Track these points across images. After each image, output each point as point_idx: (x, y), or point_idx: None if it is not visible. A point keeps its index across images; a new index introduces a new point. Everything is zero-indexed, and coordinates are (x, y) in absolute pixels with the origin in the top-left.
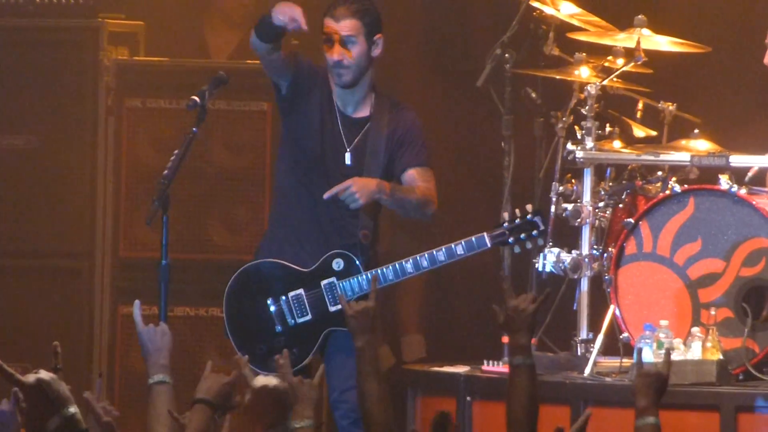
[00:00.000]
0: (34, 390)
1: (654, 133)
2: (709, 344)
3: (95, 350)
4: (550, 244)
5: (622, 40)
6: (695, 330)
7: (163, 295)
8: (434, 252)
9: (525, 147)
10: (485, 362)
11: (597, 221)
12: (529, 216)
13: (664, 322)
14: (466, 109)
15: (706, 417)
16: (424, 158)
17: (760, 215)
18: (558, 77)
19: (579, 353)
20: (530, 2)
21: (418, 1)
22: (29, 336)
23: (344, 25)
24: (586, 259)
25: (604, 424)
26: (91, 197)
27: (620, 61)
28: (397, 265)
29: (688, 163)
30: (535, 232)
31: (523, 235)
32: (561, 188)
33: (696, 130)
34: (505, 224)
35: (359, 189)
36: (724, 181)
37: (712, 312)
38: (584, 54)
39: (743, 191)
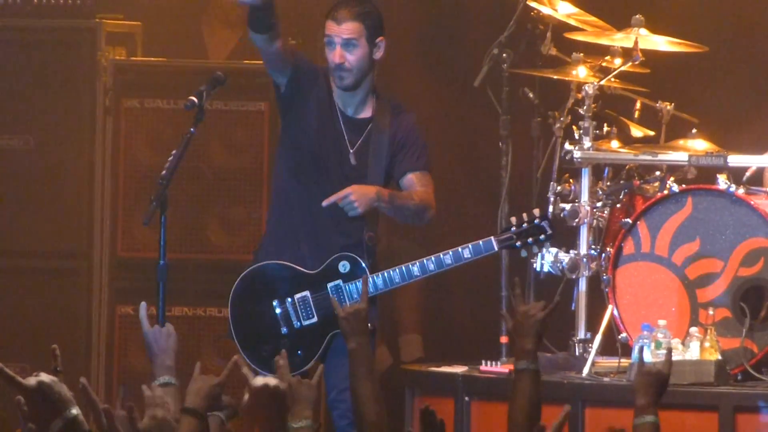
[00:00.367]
0: (36, 393)
1: (652, 132)
2: (707, 344)
3: (93, 350)
4: (548, 244)
5: (620, 39)
6: (693, 330)
7: (161, 295)
8: (441, 255)
9: (522, 147)
10: (483, 362)
11: (595, 221)
12: (536, 220)
13: (662, 322)
14: (463, 109)
15: (704, 417)
16: (424, 162)
17: (758, 215)
18: (555, 77)
19: (577, 353)
20: (528, 2)
21: (416, 1)
22: (27, 336)
23: (346, 28)
24: (584, 259)
25: (603, 424)
26: (88, 197)
27: (618, 61)
28: (403, 268)
29: (686, 163)
30: (542, 237)
31: (530, 240)
32: (559, 188)
33: (694, 130)
34: (513, 228)
35: (358, 197)
36: (722, 181)
37: (711, 312)
38: (582, 54)
39: (741, 191)
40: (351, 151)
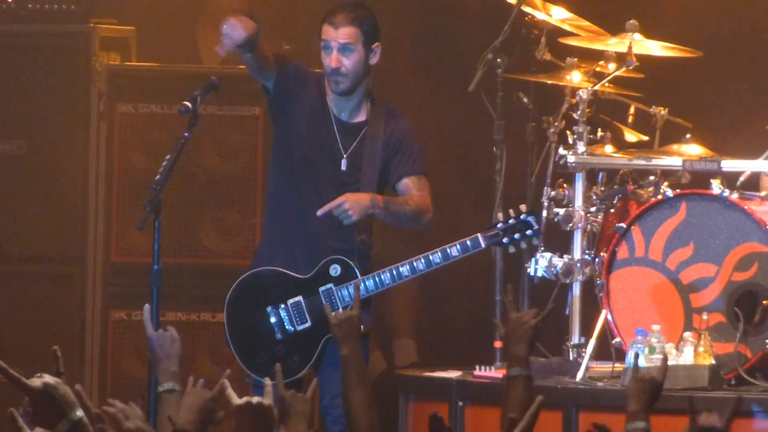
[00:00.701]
0: (41, 394)
1: (646, 137)
2: (701, 349)
3: (87, 355)
4: (542, 248)
5: (614, 44)
6: (687, 335)
7: (155, 300)
8: (429, 255)
9: (517, 152)
10: (477, 367)
11: (589, 226)
12: (522, 216)
13: (656, 327)
14: (457, 114)
15: None
16: (419, 166)
17: (752, 220)
18: (550, 82)
19: (571, 358)
20: (522, 7)
21: (410, 5)
22: (21, 341)
23: (342, 33)
24: (578, 264)
25: None
26: (83, 202)
27: (612, 66)
28: (393, 269)
29: (680, 168)
30: (529, 232)
31: (517, 235)
32: (553, 193)
33: (688, 135)
34: (499, 225)
35: (352, 206)
36: (716, 186)
37: (704, 317)
38: (576, 59)
39: (735, 196)
40: (344, 155)
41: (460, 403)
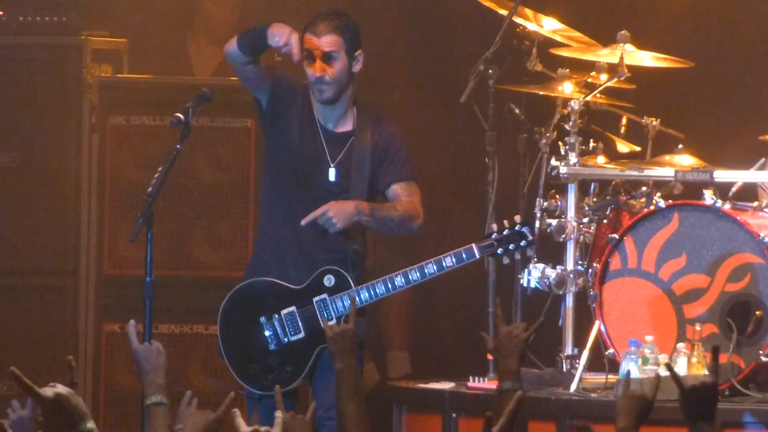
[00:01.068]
0: (52, 404)
1: (638, 148)
2: (694, 360)
3: (80, 367)
4: (535, 260)
5: (605, 55)
6: (680, 345)
7: (147, 312)
8: (424, 265)
9: (509, 163)
10: (470, 378)
11: (581, 237)
12: (517, 226)
13: (649, 338)
14: (449, 125)
15: None
16: (408, 172)
17: (745, 230)
18: (541, 93)
19: (564, 369)
20: (513, 18)
21: (402, 17)
22: (13, 353)
23: (325, 41)
24: (571, 275)
25: None
26: (75, 214)
27: (603, 77)
28: (387, 280)
29: (672, 179)
30: (523, 243)
31: (511, 246)
32: (545, 204)
33: (680, 146)
34: (494, 235)
35: (336, 213)
36: (709, 197)
37: (698, 327)
38: (567, 70)
39: (727, 206)
40: (332, 165)
41: (454, 415)
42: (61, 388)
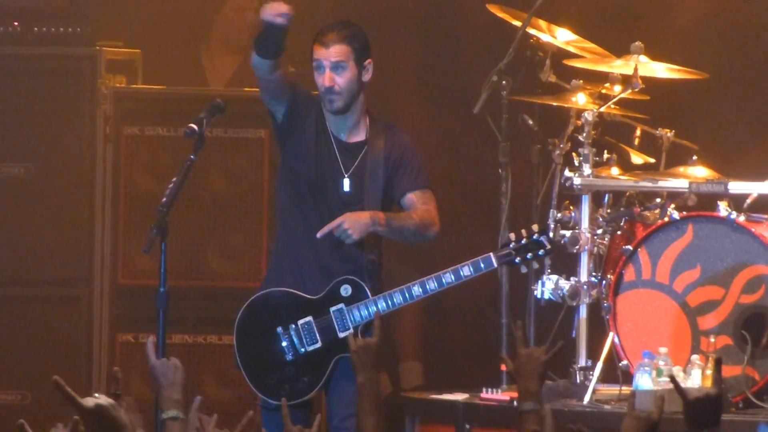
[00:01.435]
0: (93, 415)
1: (652, 159)
2: (708, 372)
3: (94, 378)
4: (548, 271)
5: (619, 66)
6: (695, 357)
7: (161, 323)
8: (441, 274)
9: (522, 174)
10: (484, 390)
11: (595, 248)
12: (534, 235)
13: (663, 350)
14: (463, 136)
15: None
16: (423, 180)
17: (759, 242)
18: (555, 104)
19: (578, 381)
20: (527, 29)
21: (415, 28)
22: (28, 364)
23: (334, 51)
24: (585, 286)
25: None
26: (89, 225)
27: (617, 88)
28: (404, 289)
29: (686, 190)
30: (541, 252)
31: (529, 255)
32: (559, 215)
33: (694, 157)
34: (511, 244)
35: (351, 225)
36: (723, 208)
37: (712, 339)
38: (581, 81)
39: (742, 218)
40: (346, 176)
41: (467, 426)
42: (102, 399)
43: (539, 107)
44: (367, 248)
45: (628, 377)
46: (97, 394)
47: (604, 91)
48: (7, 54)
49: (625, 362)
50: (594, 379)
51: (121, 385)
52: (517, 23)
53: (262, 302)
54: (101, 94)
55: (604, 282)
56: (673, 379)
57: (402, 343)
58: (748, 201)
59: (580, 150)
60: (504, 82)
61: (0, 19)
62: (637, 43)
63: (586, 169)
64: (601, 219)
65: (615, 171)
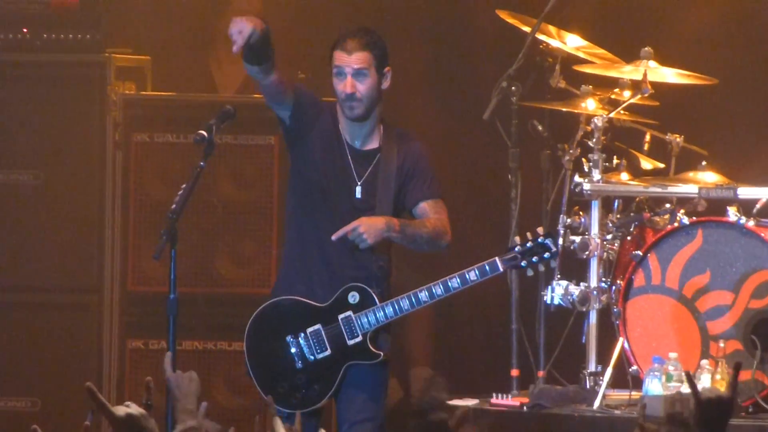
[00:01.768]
0: (124, 423)
1: (661, 165)
2: (718, 376)
3: (104, 384)
4: (558, 276)
5: (629, 72)
6: (704, 362)
7: (171, 329)
8: (447, 279)
9: (532, 179)
10: (494, 395)
11: (605, 254)
12: (540, 238)
13: (673, 355)
14: (472, 142)
15: None
16: (435, 190)
17: None
18: (564, 110)
19: (588, 386)
20: (536, 35)
21: (425, 34)
22: (38, 371)
23: (356, 58)
24: (595, 292)
25: None
26: (99, 231)
27: (627, 94)
28: (411, 295)
29: (696, 195)
30: (547, 255)
31: (535, 258)
32: (568, 220)
33: (704, 162)
34: (517, 248)
35: (366, 229)
36: (733, 213)
37: (721, 344)
38: (591, 86)
39: (751, 223)
40: (359, 183)
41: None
42: (134, 409)
43: (549, 113)
44: (377, 255)
45: (638, 382)
46: (128, 403)
47: (613, 96)
48: (16, 61)
49: (635, 367)
50: (604, 384)
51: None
52: (527, 29)
53: (271, 311)
54: (111, 100)
55: (613, 287)
56: (689, 376)
57: (412, 349)
58: (758, 206)
59: (590, 155)
60: (514, 87)
61: (9, 26)
62: (646, 48)
63: (596, 175)
64: (610, 224)
65: (625, 176)
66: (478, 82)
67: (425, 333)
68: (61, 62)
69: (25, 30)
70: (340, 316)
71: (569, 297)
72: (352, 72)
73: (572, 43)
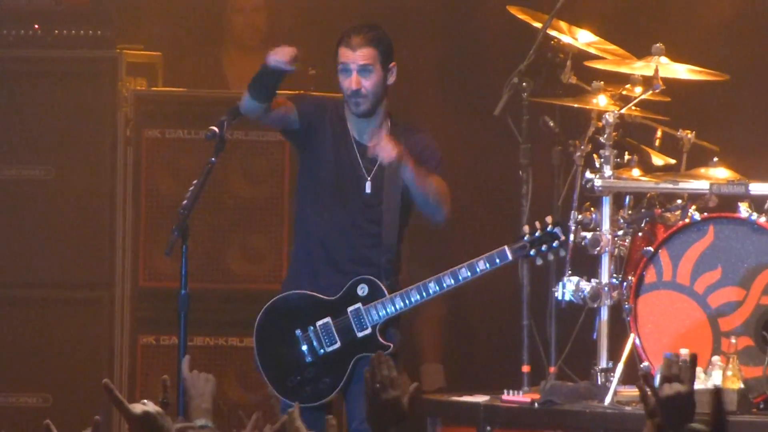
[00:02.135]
0: (140, 421)
1: (673, 161)
2: (729, 373)
3: (115, 380)
4: (569, 272)
5: (640, 68)
6: (716, 359)
7: (182, 325)
8: (457, 270)
9: (543, 176)
10: (505, 391)
11: (616, 250)
12: (549, 228)
13: (684, 351)
14: (483, 138)
15: None
16: (440, 172)
17: None
18: (576, 106)
19: (599, 382)
20: (547, 31)
21: (435, 30)
22: (49, 366)
23: (361, 54)
24: (606, 288)
25: None
26: (110, 227)
27: (638, 90)
28: (421, 286)
29: (707, 191)
30: (556, 244)
31: (544, 247)
32: (580, 217)
33: (715, 158)
34: (526, 237)
35: (388, 142)
36: (744, 209)
37: (733, 340)
38: (602, 82)
39: (763, 219)
40: (368, 179)
41: (488, 428)
42: (150, 407)
43: (560, 109)
44: (383, 250)
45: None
46: (145, 401)
47: (625, 92)
48: (27, 57)
49: (646, 364)
50: (615, 380)
51: (170, 394)
52: (538, 25)
53: (280, 305)
54: (122, 96)
55: (625, 283)
56: (646, 378)
57: (423, 346)
58: None
59: (601, 151)
60: (525, 83)
61: (21, 22)
62: (658, 44)
63: (607, 171)
64: (622, 220)
65: (636, 172)
66: (488, 78)
67: (436, 329)
68: (73, 58)
69: (36, 26)
70: (350, 309)
71: (580, 293)
72: (358, 68)
73: (583, 39)
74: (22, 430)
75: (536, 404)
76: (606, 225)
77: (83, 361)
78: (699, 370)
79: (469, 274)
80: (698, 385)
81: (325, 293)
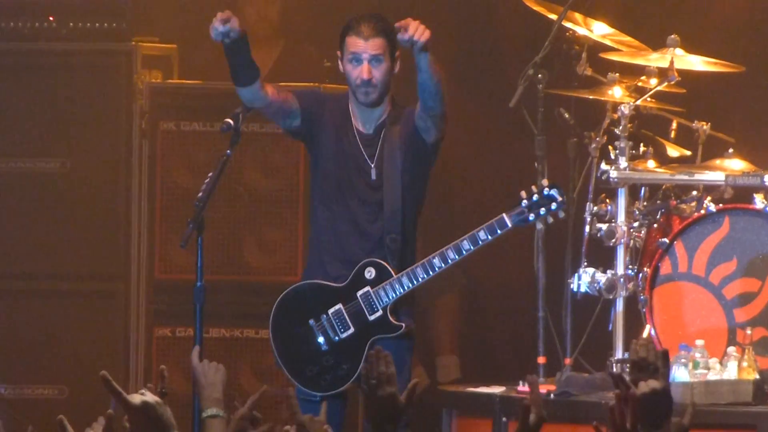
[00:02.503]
0: (139, 412)
1: (688, 152)
2: (745, 364)
3: (131, 372)
4: (585, 264)
5: (655, 59)
6: (731, 349)
7: (198, 317)
8: (459, 242)
9: (558, 167)
10: (520, 383)
11: (631, 241)
12: (545, 190)
13: (699, 342)
14: (498, 130)
15: None
16: None
17: None
18: (591, 97)
19: (615, 373)
20: (563, 23)
21: (451, 22)
22: (65, 359)
23: (372, 44)
24: (621, 279)
25: None
26: (125, 220)
27: (653, 81)
28: (425, 263)
29: (722, 183)
30: (554, 206)
31: (542, 210)
32: (595, 208)
33: (730, 150)
34: (524, 202)
35: (417, 23)
36: (759, 201)
37: (748, 331)
38: (617, 74)
39: None
40: (372, 165)
41: (504, 419)
42: (149, 397)
43: (575, 100)
44: (387, 229)
45: None
46: (143, 391)
47: (640, 84)
48: (43, 49)
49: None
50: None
51: (168, 383)
52: (554, 16)
53: (291, 297)
54: (137, 89)
55: (640, 275)
56: (620, 377)
57: (438, 337)
58: None
59: (617, 143)
60: (540, 75)
61: (36, 15)
62: (673, 36)
63: (623, 162)
64: (637, 212)
65: (651, 164)
66: (504, 69)
67: (452, 321)
68: (88, 51)
69: (51, 18)
70: (359, 293)
71: (596, 285)
72: (369, 58)
73: (599, 30)
74: (39, 422)
75: (552, 395)
76: (621, 216)
77: (99, 353)
78: (714, 360)
79: (470, 245)
80: (714, 376)
81: (336, 282)
